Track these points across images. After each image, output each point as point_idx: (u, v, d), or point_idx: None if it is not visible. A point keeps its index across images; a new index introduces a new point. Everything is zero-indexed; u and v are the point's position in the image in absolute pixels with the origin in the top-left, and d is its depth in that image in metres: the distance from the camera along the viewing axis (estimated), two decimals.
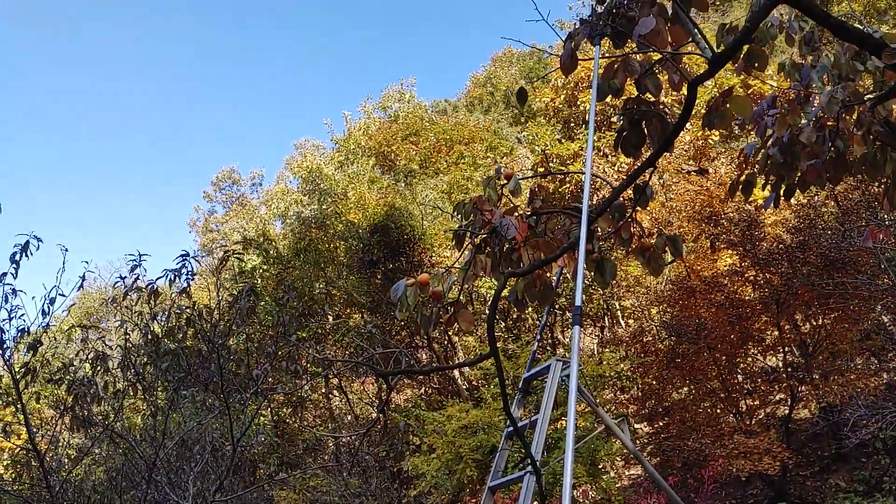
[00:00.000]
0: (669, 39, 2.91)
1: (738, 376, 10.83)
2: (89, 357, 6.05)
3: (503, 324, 15.74)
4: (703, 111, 3.01)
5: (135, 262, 5.93)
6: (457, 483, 10.07)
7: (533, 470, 4.44)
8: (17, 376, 5.52)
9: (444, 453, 10.29)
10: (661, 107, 3.06)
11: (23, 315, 5.58)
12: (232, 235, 27.11)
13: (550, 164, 15.89)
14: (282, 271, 16.64)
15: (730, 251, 10.76)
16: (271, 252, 17.74)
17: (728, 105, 2.91)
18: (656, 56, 2.96)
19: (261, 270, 16.92)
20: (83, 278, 5.88)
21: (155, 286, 5.88)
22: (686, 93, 2.78)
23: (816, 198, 10.16)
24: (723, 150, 16.56)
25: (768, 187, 3.59)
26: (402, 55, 61.94)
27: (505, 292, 3.11)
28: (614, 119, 15.86)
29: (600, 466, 10.02)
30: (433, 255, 15.86)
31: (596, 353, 14.86)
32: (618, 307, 15.57)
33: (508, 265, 3.18)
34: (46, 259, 5.84)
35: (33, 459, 6.00)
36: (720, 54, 2.70)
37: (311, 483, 11.38)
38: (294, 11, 62.02)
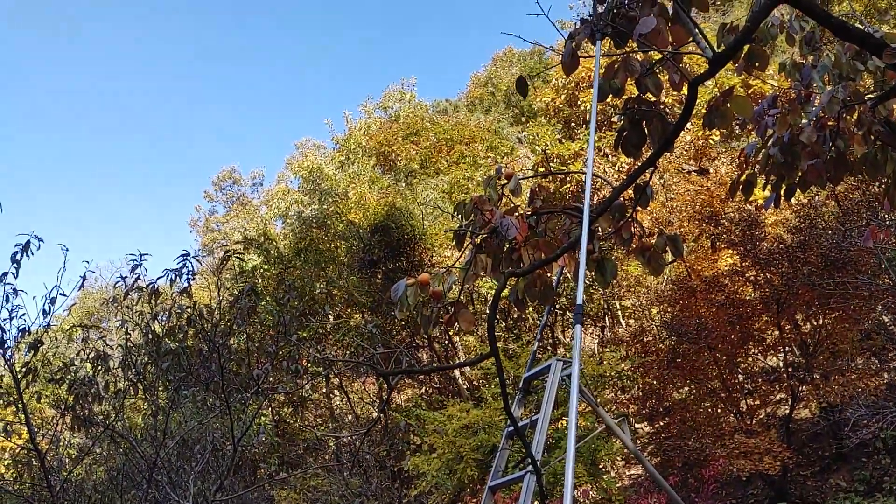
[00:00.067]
0: (670, 39, 2.91)
1: (739, 376, 10.83)
2: (90, 357, 6.06)
3: (504, 324, 15.74)
4: (703, 111, 3.00)
5: (135, 262, 5.94)
6: (457, 483, 10.08)
7: (533, 469, 4.44)
8: (19, 376, 5.52)
9: (445, 453, 10.30)
10: (662, 107, 3.05)
11: (24, 315, 5.59)
12: (233, 235, 27.11)
13: (551, 164, 15.90)
14: (282, 271, 16.65)
15: (730, 251, 10.77)
16: (272, 252, 17.76)
17: (728, 105, 2.91)
18: (657, 56, 2.96)
19: (261, 270, 16.93)
20: (84, 278, 5.89)
21: (156, 286, 5.89)
22: (686, 92, 2.78)
23: (817, 198, 10.16)
24: (723, 149, 16.56)
25: (769, 187, 3.59)
26: (403, 55, 61.97)
27: (505, 292, 3.11)
28: (615, 119, 15.88)
29: (601, 466, 10.02)
30: (434, 254, 15.87)
31: (596, 352, 14.86)
32: (618, 307, 15.58)
33: (509, 265, 3.18)
34: (47, 259, 5.85)
35: (34, 459, 6.01)
36: (721, 54, 2.70)
37: (312, 483, 11.38)
38: (294, 11, 62.07)
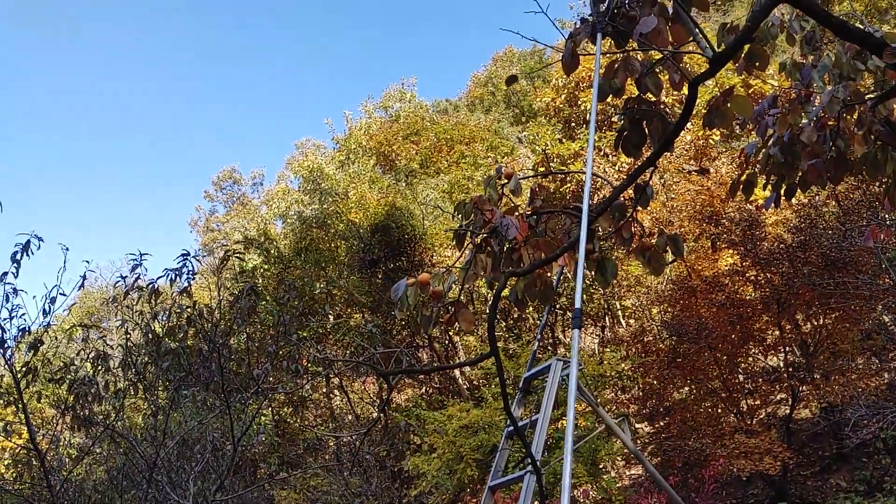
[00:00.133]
0: (670, 39, 2.90)
1: (739, 376, 10.82)
2: (90, 356, 6.06)
3: (504, 323, 15.75)
4: (703, 111, 3.00)
5: (136, 262, 5.94)
6: (457, 483, 10.08)
7: (533, 469, 4.44)
8: (19, 376, 5.52)
9: (445, 453, 10.29)
10: (662, 106, 3.05)
11: (24, 314, 5.59)
12: (233, 235, 27.12)
13: (551, 164, 15.90)
14: (282, 271, 16.65)
15: (731, 251, 10.76)
16: (272, 251, 17.76)
17: (729, 104, 2.90)
18: (657, 55, 2.96)
19: (262, 270, 16.93)
20: (84, 278, 5.89)
21: (156, 286, 5.89)
22: (687, 92, 2.77)
23: (817, 197, 10.15)
24: (723, 149, 16.56)
25: (769, 187, 3.59)
26: (403, 55, 62.01)
27: (505, 292, 3.11)
28: (615, 119, 15.87)
29: (601, 466, 10.02)
30: (434, 254, 15.87)
31: (597, 352, 14.86)
32: (618, 307, 15.57)
33: (509, 265, 3.18)
34: (47, 259, 5.85)
35: (34, 459, 6.01)
36: (721, 54, 2.70)
37: (312, 482, 11.39)
38: (294, 11, 62.13)
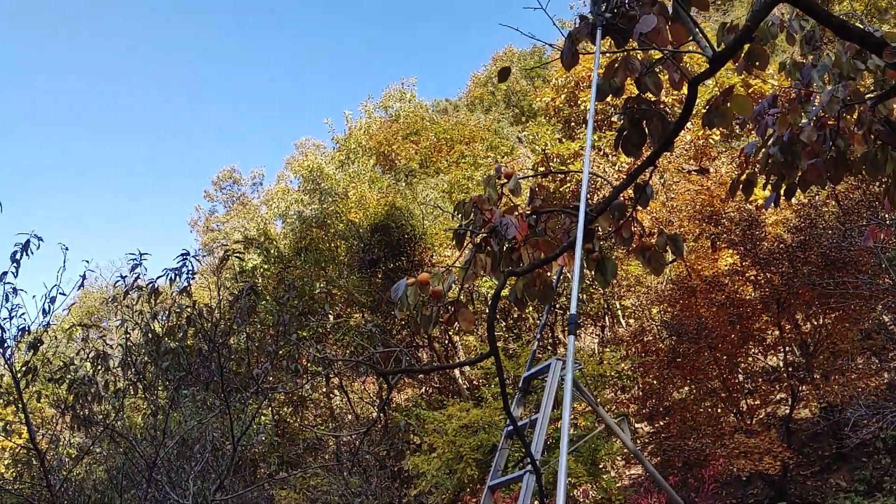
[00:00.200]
0: (670, 38, 2.90)
1: (739, 376, 10.82)
2: (90, 356, 6.06)
3: (503, 323, 15.74)
4: (703, 110, 3.00)
5: (135, 262, 5.94)
6: (457, 482, 10.07)
7: (533, 469, 4.44)
8: (18, 375, 5.52)
9: (445, 452, 10.29)
10: (662, 106, 3.05)
11: (23, 314, 5.59)
12: (233, 235, 27.11)
13: (551, 164, 15.90)
14: (282, 270, 16.65)
15: (730, 251, 10.76)
16: (272, 251, 17.76)
17: (729, 104, 2.90)
18: (657, 55, 2.95)
19: (261, 270, 16.93)
20: (84, 277, 5.89)
21: (155, 285, 5.89)
22: (686, 92, 2.77)
23: (817, 197, 10.16)
24: (723, 149, 16.56)
25: (769, 187, 3.58)
26: (403, 55, 61.99)
27: (505, 291, 3.11)
28: (615, 118, 15.86)
29: (601, 466, 10.02)
30: (434, 254, 15.86)
31: (596, 352, 14.86)
32: (618, 306, 15.58)
33: (508, 264, 3.18)
34: (47, 258, 5.85)
35: (34, 458, 6.01)
36: (721, 53, 2.70)
37: (312, 482, 11.39)
38: (294, 11, 62.09)
